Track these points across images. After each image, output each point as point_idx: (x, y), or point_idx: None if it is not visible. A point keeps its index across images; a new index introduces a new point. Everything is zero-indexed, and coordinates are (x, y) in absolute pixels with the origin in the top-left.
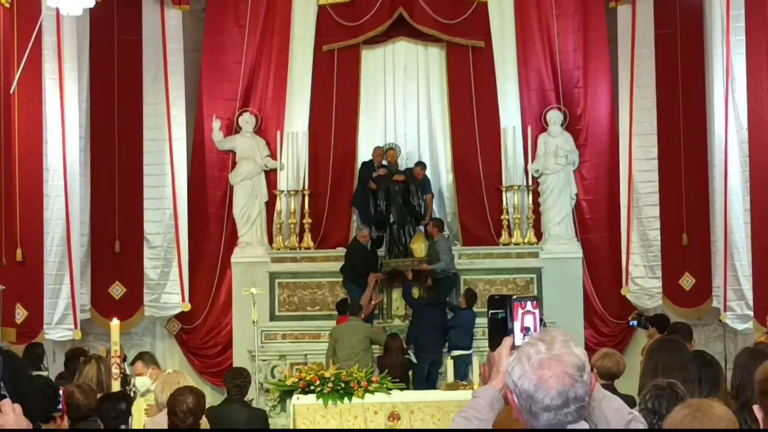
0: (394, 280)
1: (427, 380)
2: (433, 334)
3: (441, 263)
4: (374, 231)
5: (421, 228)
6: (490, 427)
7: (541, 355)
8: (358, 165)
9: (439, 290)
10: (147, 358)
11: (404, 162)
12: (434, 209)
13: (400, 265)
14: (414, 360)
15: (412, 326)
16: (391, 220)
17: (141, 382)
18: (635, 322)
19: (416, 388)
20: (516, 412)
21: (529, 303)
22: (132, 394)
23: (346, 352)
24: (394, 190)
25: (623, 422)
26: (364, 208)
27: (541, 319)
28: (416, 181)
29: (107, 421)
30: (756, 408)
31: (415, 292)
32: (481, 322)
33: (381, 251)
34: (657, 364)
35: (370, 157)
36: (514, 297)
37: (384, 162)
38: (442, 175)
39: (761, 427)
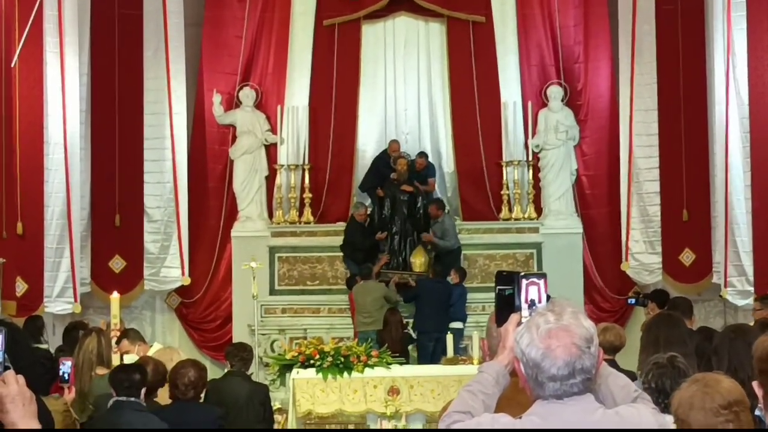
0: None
1: (433, 357)
2: (438, 311)
3: (448, 242)
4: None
5: (428, 232)
6: (495, 401)
7: (549, 325)
8: (359, 140)
9: (444, 265)
10: (132, 334)
11: (405, 145)
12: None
13: (399, 279)
14: (413, 335)
15: (417, 305)
16: (394, 230)
17: (128, 359)
18: (633, 300)
19: (422, 364)
20: (522, 381)
21: (536, 279)
22: None
23: (364, 313)
24: (400, 199)
25: (629, 399)
26: (373, 196)
27: (548, 295)
28: (421, 192)
29: (119, 390)
30: (755, 385)
31: (420, 265)
32: (481, 297)
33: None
34: (657, 338)
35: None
36: (522, 273)
37: (393, 173)
38: (442, 150)
39: (761, 403)
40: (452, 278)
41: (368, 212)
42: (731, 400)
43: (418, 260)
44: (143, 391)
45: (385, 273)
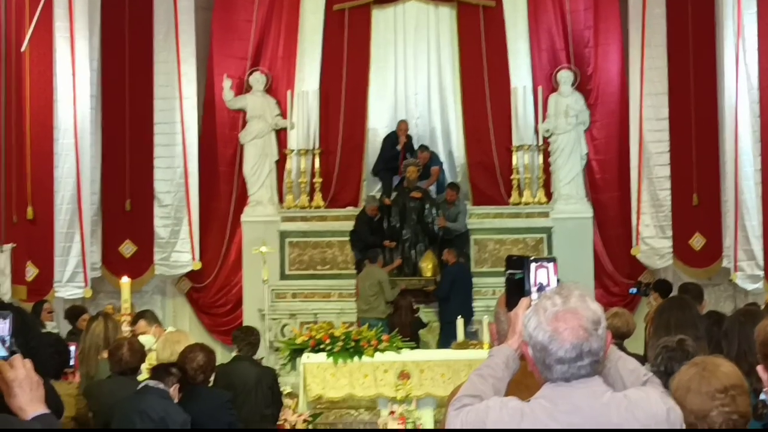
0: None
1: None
2: (467, 298)
3: (460, 225)
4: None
5: (438, 240)
6: (505, 385)
7: (556, 308)
8: (369, 124)
9: (458, 248)
10: (149, 316)
11: (415, 129)
12: (444, 172)
13: (409, 285)
14: (423, 320)
15: (452, 292)
16: (404, 237)
17: (145, 340)
18: (634, 290)
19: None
20: (531, 365)
21: (545, 264)
22: None
23: (362, 298)
24: (409, 206)
25: (639, 383)
26: (384, 180)
27: (558, 279)
28: (431, 199)
29: (152, 375)
30: (760, 369)
31: (429, 270)
32: (491, 282)
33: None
34: (668, 322)
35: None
36: (532, 258)
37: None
38: (452, 135)
39: (766, 387)
40: (444, 257)
41: (379, 207)
42: (728, 384)
43: (426, 265)
44: (176, 386)
45: (395, 281)
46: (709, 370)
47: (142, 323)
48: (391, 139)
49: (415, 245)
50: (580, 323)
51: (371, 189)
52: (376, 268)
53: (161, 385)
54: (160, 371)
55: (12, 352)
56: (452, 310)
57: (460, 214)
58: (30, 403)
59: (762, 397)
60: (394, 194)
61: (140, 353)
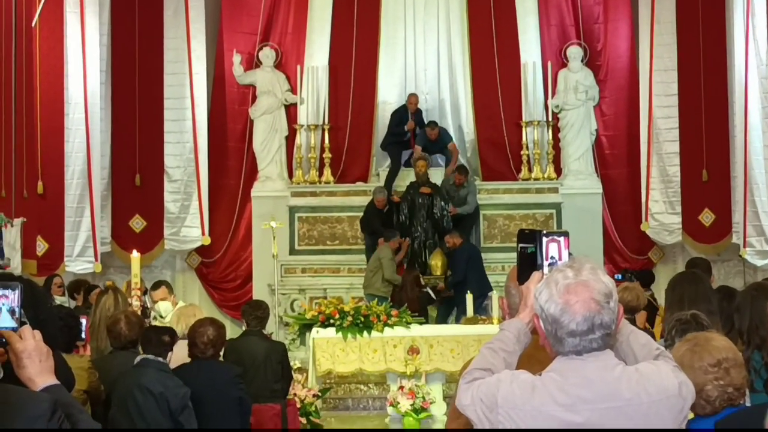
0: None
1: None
2: (482, 275)
3: (470, 207)
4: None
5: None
6: (516, 359)
7: (568, 281)
8: (378, 99)
9: (468, 227)
10: (167, 284)
11: (424, 104)
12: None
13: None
14: (432, 294)
15: (468, 271)
16: (415, 234)
17: (164, 308)
18: (620, 276)
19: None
20: (542, 338)
21: (557, 237)
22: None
23: (365, 274)
24: (419, 202)
25: (651, 357)
26: (393, 154)
27: (570, 253)
28: (440, 192)
29: (147, 349)
30: None
31: (439, 267)
32: (501, 258)
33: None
34: (682, 296)
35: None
36: (544, 232)
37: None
38: (462, 111)
39: None
40: (449, 242)
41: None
42: (720, 358)
43: (436, 263)
44: (170, 354)
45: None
46: (701, 345)
47: (162, 289)
48: (399, 113)
49: (425, 243)
50: (592, 296)
51: (381, 164)
52: (385, 246)
53: (159, 358)
54: (153, 344)
55: (21, 323)
56: (471, 288)
57: (470, 195)
58: (39, 374)
59: None
60: (402, 190)
61: (138, 326)
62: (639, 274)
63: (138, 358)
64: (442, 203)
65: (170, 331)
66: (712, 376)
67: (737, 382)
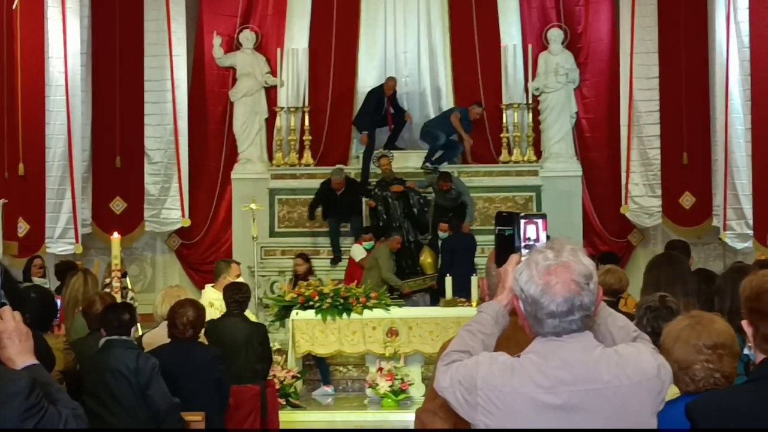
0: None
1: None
2: (469, 269)
3: (469, 205)
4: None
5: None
6: (494, 341)
7: (548, 262)
8: (358, 82)
9: (460, 217)
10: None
11: (404, 87)
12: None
13: (414, 286)
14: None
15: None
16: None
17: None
18: None
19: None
20: (522, 319)
21: (535, 219)
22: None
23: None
24: (392, 202)
25: (629, 339)
26: (370, 134)
27: (548, 236)
28: (412, 190)
29: (110, 331)
30: (745, 324)
31: (430, 266)
32: (480, 240)
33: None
34: (658, 278)
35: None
36: (522, 214)
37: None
38: (442, 93)
39: (749, 342)
40: (443, 230)
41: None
42: (718, 342)
43: (426, 262)
44: (133, 330)
45: (401, 286)
46: (702, 324)
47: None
48: (376, 94)
49: (410, 243)
50: (572, 277)
51: (360, 147)
52: (383, 246)
53: (124, 337)
54: (114, 325)
55: (1, 304)
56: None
57: (464, 196)
58: (19, 354)
59: (746, 351)
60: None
61: None
62: (602, 256)
63: (102, 341)
64: (417, 196)
65: (128, 308)
66: (705, 357)
67: (728, 370)
